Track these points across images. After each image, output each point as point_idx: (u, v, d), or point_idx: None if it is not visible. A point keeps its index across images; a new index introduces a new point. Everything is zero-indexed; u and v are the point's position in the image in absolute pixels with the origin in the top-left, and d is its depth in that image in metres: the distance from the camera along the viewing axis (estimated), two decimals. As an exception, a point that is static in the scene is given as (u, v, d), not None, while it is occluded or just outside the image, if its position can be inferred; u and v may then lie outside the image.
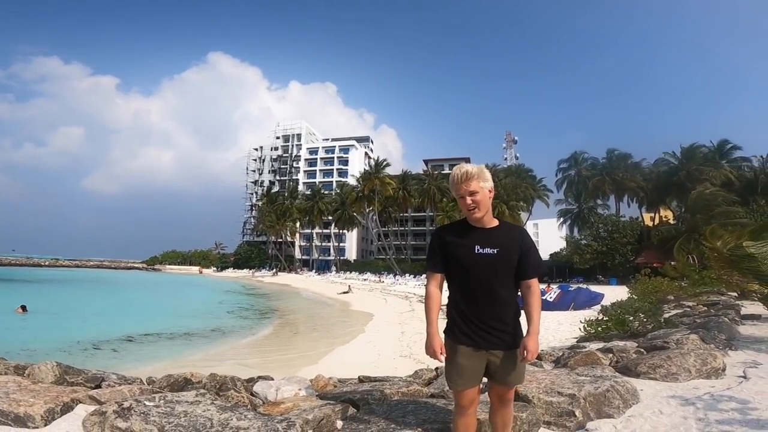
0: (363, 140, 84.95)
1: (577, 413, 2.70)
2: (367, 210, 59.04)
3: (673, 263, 17.86)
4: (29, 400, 2.49)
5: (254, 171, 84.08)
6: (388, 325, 14.47)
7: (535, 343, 1.83)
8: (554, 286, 19.32)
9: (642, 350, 4.46)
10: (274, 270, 63.90)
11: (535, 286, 1.92)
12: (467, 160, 69.87)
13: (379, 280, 42.88)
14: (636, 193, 43.82)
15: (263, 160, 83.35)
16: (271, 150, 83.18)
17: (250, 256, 71.12)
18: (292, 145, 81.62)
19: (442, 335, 1.98)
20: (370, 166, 60.02)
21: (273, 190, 72.89)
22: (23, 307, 14.46)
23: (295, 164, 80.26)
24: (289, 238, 69.22)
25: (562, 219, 49.51)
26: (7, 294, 21.81)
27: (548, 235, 66.37)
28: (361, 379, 4.01)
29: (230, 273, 66.91)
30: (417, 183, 55.71)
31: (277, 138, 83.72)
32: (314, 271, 63.25)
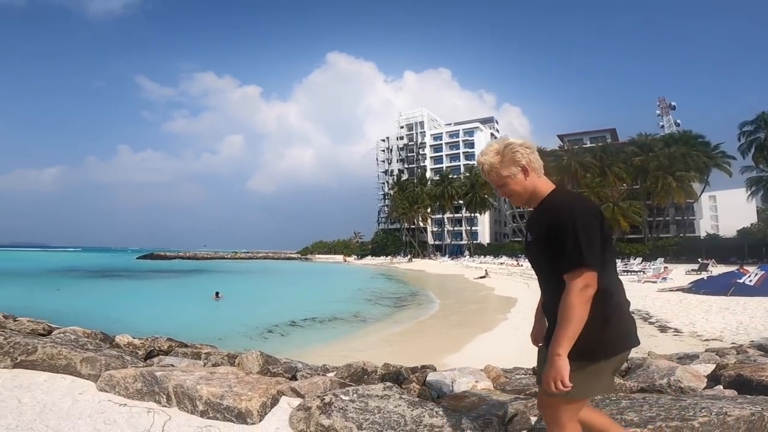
0: (487, 121, 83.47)
1: None
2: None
3: None
4: (247, 394, 2.67)
5: (383, 161, 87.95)
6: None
7: (549, 369, 1.41)
8: (753, 268, 15.55)
9: None
10: (409, 256, 66.04)
11: (571, 284, 1.41)
12: (612, 133, 61.81)
13: (518, 264, 40.78)
14: None
15: (390, 150, 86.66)
16: (397, 139, 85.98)
17: (386, 244, 74.61)
18: (416, 133, 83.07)
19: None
20: None
21: (403, 178, 75.30)
22: (217, 294, 17.61)
23: (421, 151, 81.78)
24: (421, 224, 70.73)
25: (753, 188, 40.49)
26: (206, 283, 26.88)
27: (732, 208, 54.79)
28: (536, 370, 3.70)
29: (369, 260, 71.27)
30: (553, 160, 51.56)
31: (401, 127, 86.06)
32: (447, 256, 63.46)
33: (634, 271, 25.89)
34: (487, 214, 66.45)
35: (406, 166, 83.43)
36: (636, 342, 1.53)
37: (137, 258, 77.08)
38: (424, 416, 2.37)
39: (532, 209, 1.62)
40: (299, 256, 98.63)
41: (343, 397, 2.67)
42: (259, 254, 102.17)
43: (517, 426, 2.36)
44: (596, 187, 43.62)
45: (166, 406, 2.72)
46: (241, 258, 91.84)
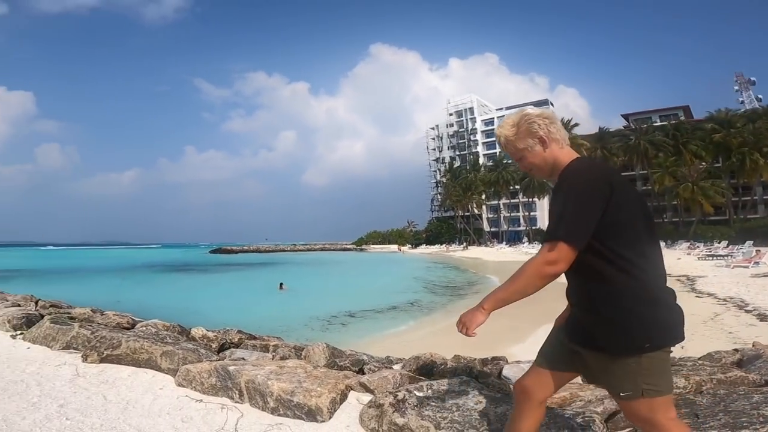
0: (541, 104, 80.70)
1: None
2: None
3: None
4: (317, 390, 2.60)
5: (434, 149, 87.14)
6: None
7: (471, 314, 1.37)
8: None
9: None
10: (464, 244, 65.02)
11: (538, 253, 1.29)
12: (685, 110, 57.14)
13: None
14: None
15: (440, 138, 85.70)
16: (447, 127, 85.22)
17: (441, 232, 74.03)
18: (466, 120, 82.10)
19: None
20: None
21: (455, 166, 74.20)
22: (281, 285, 18.32)
23: (472, 137, 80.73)
24: (476, 211, 69.36)
25: None
26: (270, 275, 28.14)
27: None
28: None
29: (423, 249, 71.02)
30: (619, 140, 48.34)
31: (450, 114, 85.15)
32: (504, 242, 61.74)
33: (720, 256, 23.65)
34: (546, 198, 63.87)
35: (457, 153, 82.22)
36: (674, 340, 1.32)
37: (208, 252, 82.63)
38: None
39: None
40: (354, 246, 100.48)
41: (418, 393, 2.52)
42: (317, 246, 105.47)
43: (620, 423, 2.09)
44: (671, 166, 40.25)
45: (238, 402, 2.74)
46: (300, 250, 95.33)
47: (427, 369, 3.60)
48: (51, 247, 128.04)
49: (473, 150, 79.13)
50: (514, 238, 64.70)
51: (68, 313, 4.99)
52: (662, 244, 31.11)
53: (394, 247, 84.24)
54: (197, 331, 4.35)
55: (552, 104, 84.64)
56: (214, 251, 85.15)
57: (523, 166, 1.52)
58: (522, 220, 66.57)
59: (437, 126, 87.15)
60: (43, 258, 54.29)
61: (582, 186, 1.28)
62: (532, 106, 1.90)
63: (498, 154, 71.03)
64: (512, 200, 66.88)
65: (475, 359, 3.56)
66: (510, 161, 64.16)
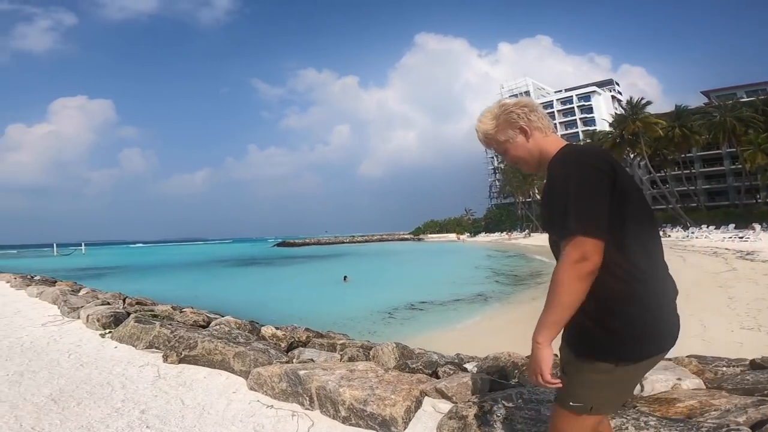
0: (605, 84, 77.57)
1: None
2: (631, 156, 51.47)
3: None
4: (391, 398, 2.44)
5: None
6: (703, 289, 11.36)
7: (535, 358, 1.15)
8: None
9: None
10: (527, 231, 62.60)
11: (562, 255, 1.11)
12: None
13: (665, 234, 35.36)
14: None
15: None
16: None
17: (500, 219, 72.11)
18: None
19: None
20: (624, 108, 52.00)
21: None
22: (345, 278, 18.66)
23: None
24: (538, 197, 66.46)
25: None
26: (332, 267, 28.91)
27: None
28: (757, 363, 2.79)
29: (483, 237, 69.41)
30: (701, 117, 44.21)
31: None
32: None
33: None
34: None
35: None
36: (665, 346, 1.19)
37: (272, 246, 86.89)
38: (627, 428, 1.83)
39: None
40: (412, 236, 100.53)
41: (506, 404, 2.25)
42: (374, 237, 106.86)
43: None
44: (763, 143, 35.65)
45: (309, 409, 2.65)
46: (358, 241, 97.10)
47: (506, 372, 3.30)
48: (140, 245, 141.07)
49: None
50: (581, 224, 61.39)
51: (152, 311, 5.29)
52: (758, 227, 27.79)
53: (452, 235, 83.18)
54: (267, 330, 4.38)
55: (617, 84, 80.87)
56: (278, 245, 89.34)
57: (509, 160, 1.43)
58: (590, 204, 63.09)
59: None
60: (131, 255, 60.08)
61: (585, 170, 1.15)
62: (510, 97, 1.69)
63: (561, 137, 69.15)
64: (578, 184, 63.61)
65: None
66: (575, 143, 61.20)
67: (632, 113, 46.94)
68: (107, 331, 4.35)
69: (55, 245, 64.30)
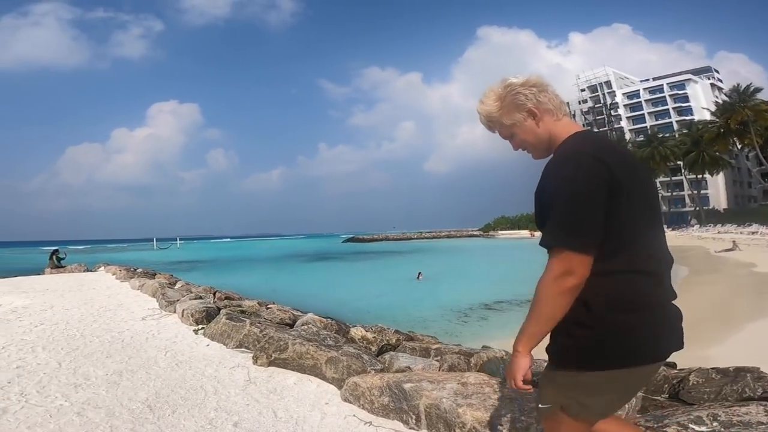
0: (702, 72, 70.92)
1: None
2: (739, 147, 45.69)
3: None
4: (521, 419, 2.07)
5: None
6: None
7: (512, 363, 1.15)
8: None
9: None
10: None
11: (546, 268, 1.08)
12: None
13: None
14: None
15: (573, 115, 78.65)
16: (579, 103, 79.30)
17: (582, 215, 68.01)
18: (602, 94, 75.56)
19: None
20: (729, 96, 46.47)
21: None
22: (419, 275, 18.27)
23: (612, 112, 73.92)
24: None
25: None
26: (403, 263, 28.72)
27: None
28: None
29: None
30: None
31: (582, 90, 79.30)
32: (666, 225, 53.18)
33: None
34: (721, 174, 53.41)
35: (595, 129, 74.80)
36: (659, 355, 1.09)
37: (342, 242, 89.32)
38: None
39: None
40: (481, 233, 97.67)
41: (696, 428, 1.69)
42: (442, 233, 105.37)
43: None
44: None
45: (414, 429, 2.29)
46: (426, 237, 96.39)
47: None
48: (227, 240, 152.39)
49: (615, 125, 72.08)
50: (677, 221, 55.54)
51: (239, 306, 5.29)
52: None
53: (524, 232, 79.30)
54: (356, 332, 4.10)
55: (716, 71, 73.92)
56: (348, 240, 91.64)
57: (515, 145, 1.29)
58: (687, 200, 58.46)
59: (567, 103, 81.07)
60: (217, 249, 65.05)
61: (574, 171, 1.04)
62: (517, 75, 1.28)
63: (649, 128, 63.96)
64: (673, 178, 57.80)
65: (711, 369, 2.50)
66: (668, 134, 55.57)
67: (740, 101, 42.53)
68: (200, 327, 4.36)
69: (155, 239, 71.55)
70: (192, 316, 4.50)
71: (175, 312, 5.11)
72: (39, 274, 12.53)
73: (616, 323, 1.05)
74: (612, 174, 1.03)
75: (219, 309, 4.80)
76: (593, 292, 1.05)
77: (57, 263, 13.26)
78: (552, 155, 1.17)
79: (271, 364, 3.27)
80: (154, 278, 9.19)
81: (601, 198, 1.02)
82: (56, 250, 14.08)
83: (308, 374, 3.07)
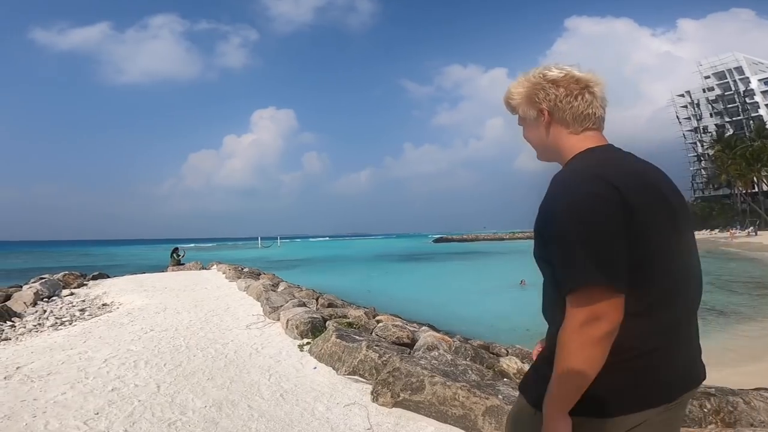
0: None
1: None
2: None
3: None
4: None
5: (687, 119, 72.36)
6: None
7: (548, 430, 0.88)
8: None
9: None
10: (751, 228, 48.81)
11: (568, 314, 0.85)
12: None
13: None
14: None
15: (697, 105, 70.24)
16: (704, 91, 69.53)
17: (710, 214, 58.67)
18: (733, 81, 65.45)
19: None
20: None
21: (726, 135, 58.54)
22: (522, 281, 16.63)
23: (747, 100, 63.36)
24: (765, 187, 52.29)
25: None
26: (502, 265, 26.81)
27: None
28: None
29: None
30: None
31: (706, 78, 69.40)
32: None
33: None
34: None
35: (726, 119, 65.49)
36: (659, 400, 0.91)
37: (432, 242, 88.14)
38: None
39: None
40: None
41: None
42: (526, 234, 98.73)
43: None
44: None
45: None
46: (519, 238, 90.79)
47: None
48: (322, 239, 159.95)
49: (752, 114, 62.17)
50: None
51: (345, 316, 4.67)
52: None
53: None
54: (509, 364, 3.14)
55: None
56: (437, 240, 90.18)
57: (524, 136, 1.11)
58: None
59: (688, 92, 71.32)
60: (313, 248, 68.24)
61: (590, 203, 0.84)
62: (565, 67, 1.00)
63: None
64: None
65: None
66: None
67: None
68: (305, 341, 3.80)
69: (259, 238, 77.62)
70: (296, 327, 3.96)
71: (278, 320, 4.66)
72: (163, 271, 13.59)
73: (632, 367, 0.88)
74: (625, 200, 0.85)
75: (324, 320, 4.22)
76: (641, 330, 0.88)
77: (177, 261, 14.35)
78: (550, 187, 0.94)
79: (397, 404, 2.49)
80: (259, 279, 9.19)
81: (619, 227, 0.84)
82: (176, 248, 15.30)
83: (453, 425, 2.24)
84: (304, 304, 5.04)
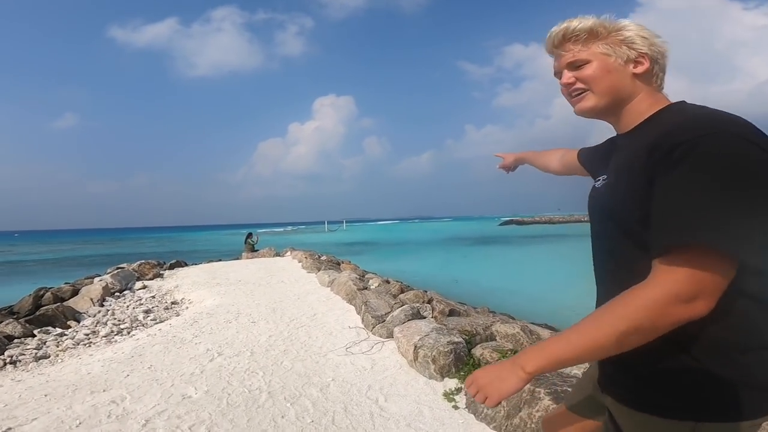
0: None
1: None
2: None
3: None
4: None
5: None
6: None
7: (495, 376, 0.76)
8: None
9: None
10: None
11: (654, 279, 0.65)
12: None
13: None
14: None
15: None
16: None
17: None
18: None
19: None
20: None
21: None
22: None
23: None
24: None
25: None
26: (583, 250, 23.78)
27: None
28: None
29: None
30: None
31: None
32: None
33: None
34: None
35: None
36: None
37: (499, 225, 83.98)
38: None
39: (617, 136, 0.88)
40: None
41: None
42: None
43: None
44: None
45: None
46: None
47: None
48: (386, 222, 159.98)
49: None
50: None
51: (492, 336, 3.17)
52: None
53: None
54: None
55: None
56: (505, 222, 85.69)
57: (574, 78, 0.84)
58: None
59: None
60: (378, 231, 67.68)
61: (742, 146, 0.63)
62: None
63: None
64: None
65: None
66: None
67: None
68: (448, 382, 2.38)
69: (326, 222, 78.81)
70: (433, 361, 2.54)
71: (388, 336, 3.30)
72: (237, 258, 13.08)
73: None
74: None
75: (467, 344, 2.76)
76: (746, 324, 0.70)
77: (252, 247, 13.85)
78: (651, 121, 0.79)
79: None
80: (340, 268, 8.02)
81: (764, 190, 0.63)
82: (250, 234, 14.82)
83: None
84: (418, 312, 3.62)
